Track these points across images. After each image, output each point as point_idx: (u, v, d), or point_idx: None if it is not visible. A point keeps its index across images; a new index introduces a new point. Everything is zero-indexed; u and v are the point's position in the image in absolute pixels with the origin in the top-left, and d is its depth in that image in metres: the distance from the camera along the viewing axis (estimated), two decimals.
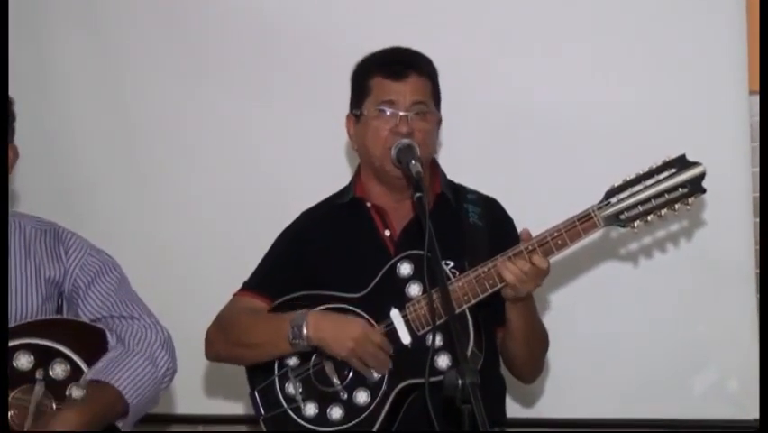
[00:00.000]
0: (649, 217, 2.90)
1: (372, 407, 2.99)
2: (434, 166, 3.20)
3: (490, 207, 3.20)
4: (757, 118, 3.54)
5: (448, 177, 3.24)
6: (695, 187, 2.86)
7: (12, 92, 2.99)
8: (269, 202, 3.87)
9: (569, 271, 3.66)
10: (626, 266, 3.68)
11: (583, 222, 2.90)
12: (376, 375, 2.99)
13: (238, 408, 3.93)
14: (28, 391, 2.81)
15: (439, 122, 3.16)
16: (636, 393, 3.70)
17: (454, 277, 2.96)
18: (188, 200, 4.04)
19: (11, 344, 2.82)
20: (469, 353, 2.90)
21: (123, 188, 4.10)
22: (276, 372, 3.08)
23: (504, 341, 3.10)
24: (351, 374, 3.02)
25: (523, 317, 3.01)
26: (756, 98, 3.53)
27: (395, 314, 3.00)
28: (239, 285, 3.22)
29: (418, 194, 2.79)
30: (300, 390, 3.05)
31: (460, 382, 2.34)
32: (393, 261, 3.04)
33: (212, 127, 4.01)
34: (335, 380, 3.02)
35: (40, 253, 2.96)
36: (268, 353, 3.07)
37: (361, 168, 3.21)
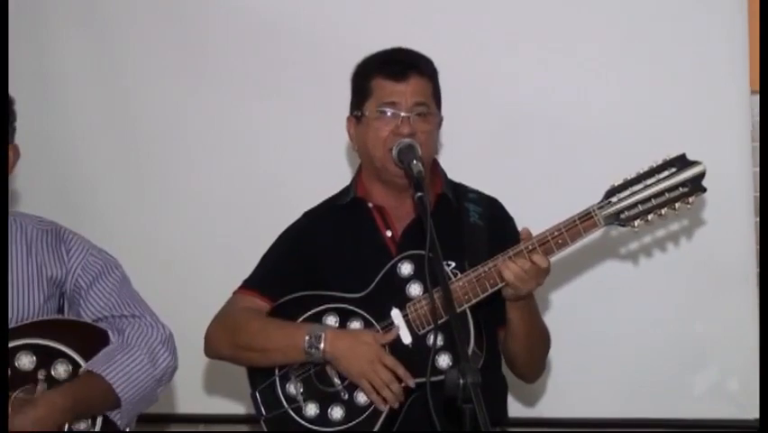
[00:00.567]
0: (649, 217, 2.90)
1: (373, 407, 2.99)
2: (434, 166, 3.20)
3: (491, 207, 3.19)
4: (759, 118, 3.54)
5: (449, 177, 3.23)
6: (695, 186, 2.87)
7: (12, 92, 2.99)
8: (269, 202, 3.87)
9: (569, 271, 3.67)
10: (627, 265, 3.69)
11: (584, 221, 2.90)
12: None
13: (239, 407, 3.93)
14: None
15: (440, 122, 3.16)
16: (637, 393, 3.70)
17: (455, 277, 2.96)
18: (189, 200, 4.04)
19: (13, 344, 2.82)
20: (470, 352, 2.90)
21: (123, 188, 4.10)
22: (277, 372, 3.08)
23: (505, 341, 3.10)
24: None
25: (524, 316, 3.01)
26: (758, 98, 3.53)
27: (396, 314, 3.01)
28: (240, 284, 3.22)
29: (419, 194, 2.78)
30: (301, 390, 3.05)
31: (461, 381, 2.34)
32: (394, 260, 3.04)
33: (212, 127, 4.02)
34: (336, 380, 3.02)
35: (42, 253, 2.96)
36: (277, 359, 3.07)
37: (361, 168, 3.21)
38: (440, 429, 2.62)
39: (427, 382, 2.65)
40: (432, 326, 2.95)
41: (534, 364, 3.19)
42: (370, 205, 3.16)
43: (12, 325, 2.86)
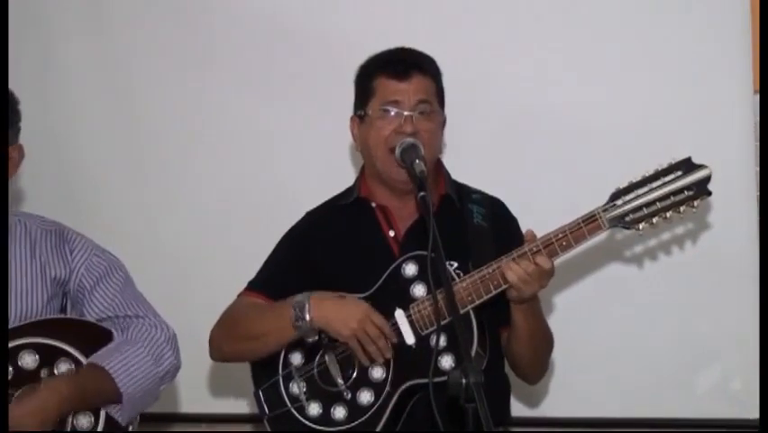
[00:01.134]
0: (654, 220, 2.90)
1: (376, 407, 3.00)
2: (438, 167, 3.20)
3: (495, 208, 3.19)
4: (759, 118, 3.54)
5: (452, 177, 3.23)
6: (701, 189, 2.86)
7: (16, 92, 2.99)
8: (273, 202, 3.87)
9: (574, 273, 3.66)
10: (631, 267, 3.68)
11: (588, 223, 2.90)
12: (374, 368, 2.98)
13: (242, 407, 3.93)
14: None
15: (443, 122, 3.16)
16: (640, 393, 3.70)
17: (459, 278, 2.96)
18: (193, 200, 4.04)
19: (16, 343, 2.84)
20: (473, 353, 2.90)
21: (127, 188, 4.10)
22: (280, 371, 3.08)
23: (509, 342, 3.10)
24: (354, 374, 3.03)
25: (528, 318, 3.01)
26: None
27: (399, 314, 3.01)
28: (243, 284, 3.22)
29: (422, 193, 2.79)
30: (304, 389, 3.05)
31: (464, 381, 2.35)
32: (398, 261, 3.04)
33: (216, 128, 4.01)
34: (339, 380, 3.03)
35: (45, 253, 2.97)
36: (273, 342, 3.07)
37: (365, 168, 3.21)
38: (443, 430, 2.62)
39: (430, 382, 2.66)
40: (435, 326, 2.94)
41: (537, 366, 3.19)
42: (374, 205, 3.16)
43: (15, 324, 2.87)
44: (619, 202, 2.89)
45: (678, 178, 2.86)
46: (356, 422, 3.01)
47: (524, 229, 3.00)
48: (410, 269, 3.02)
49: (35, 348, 2.85)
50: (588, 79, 3.71)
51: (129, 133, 4.09)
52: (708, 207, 3.57)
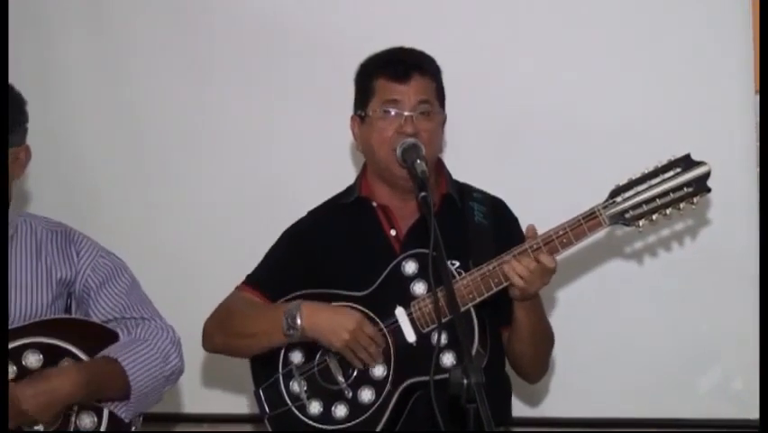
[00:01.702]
0: (654, 216, 2.90)
1: (377, 405, 3.00)
2: (439, 166, 3.20)
3: (496, 207, 3.20)
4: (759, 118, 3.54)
5: (453, 176, 3.23)
6: (700, 186, 2.87)
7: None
8: (274, 202, 3.87)
9: (574, 270, 3.67)
10: (631, 265, 3.68)
11: (588, 220, 2.90)
12: (375, 366, 3.00)
13: (243, 406, 3.92)
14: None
15: (444, 121, 3.16)
16: (641, 392, 3.70)
17: (459, 276, 2.96)
18: (194, 200, 4.04)
19: (20, 342, 2.84)
20: (474, 351, 2.90)
21: (127, 188, 4.10)
22: (280, 370, 3.08)
23: (510, 340, 3.10)
24: (355, 372, 3.03)
25: (529, 315, 3.01)
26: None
27: (400, 312, 3.01)
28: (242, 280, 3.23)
29: (423, 193, 2.79)
30: (305, 388, 3.05)
31: (465, 381, 2.35)
32: (398, 259, 3.04)
33: (217, 128, 4.01)
34: (340, 378, 3.03)
35: (51, 254, 2.98)
36: (263, 343, 3.07)
37: (365, 168, 3.21)
38: (443, 428, 2.62)
39: (431, 380, 2.66)
40: (436, 324, 2.95)
41: (539, 364, 3.19)
42: (374, 204, 3.17)
43: (19, 324, 2.88)
44: (619, 199, 2.90)
45: (677, 174, 2.87)
46: (357, 421, 3.01)
47: (524, 229, 3.00)
48: (410, 267, 3.02)
49: (39, 348, 2.85)
50: (588, 79, 3.71)
51: (129, 133, 4.09)
52: (709, 208, 3.57)
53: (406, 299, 3.01)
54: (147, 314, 3.01)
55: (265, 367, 3.10)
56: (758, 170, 3.56)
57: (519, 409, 3.62)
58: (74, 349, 2.87)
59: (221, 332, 3.15)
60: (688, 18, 3.66)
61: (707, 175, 2.87)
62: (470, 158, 3.62)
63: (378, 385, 3.00)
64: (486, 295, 2.94)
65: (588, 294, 3.71)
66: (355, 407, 3.01)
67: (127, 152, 4.10)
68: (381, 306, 3.02)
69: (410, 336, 2.99)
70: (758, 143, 3.54)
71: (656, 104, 3.68)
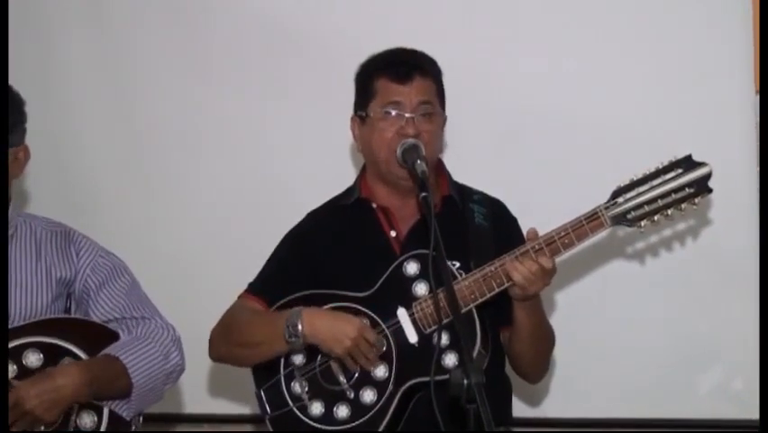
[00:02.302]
0: (656, 217, 2.91)
1: (379, 406, 2.99)
2: (440, 167, 3.20)
3: (496, 208, 3.20)
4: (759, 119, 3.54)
5: (453, 178, 3.24)
6: (701, 187, 2.87)
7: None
8: (274, 203, 3.87)
9: (575, 271, 3.67)
10: (633, 265, 3.68)
11: (590, 221, 2.91)
12: (376, 367, 3.00)
13: (244, 407, 3.93)
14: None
15: (444, 121, 3.16)
16: (642, 393, 3.70)
17: (460, 276, 2.96)
18: (194, 201, 4.04)
19: (20, 342, 2.85)
20: (476, 352, 2.90)
21: (127, 188, 4.10)
22: (282, 370, 3.08)
23: (510, 340, 3.10)
24: (357, 373, 3.03)
25: (530, 315, 3.01)
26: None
27: (402, 313, 3.01)
28: (245, 285, 3.22)
29: (424, 194, 2.79)
30: (306, 388, 3.05)
31: (465, 381, 2.35)
32: (399, 260, 3.04)
33: (218, 128, 4.02)
34: (342, 379, 3.03)
35: (51, 254, 2.99)
36: (266, 352, 3.07)
37: (366, 168, 3.21)
38: (443, 428, 2.62)
39: (431, 381, 2.66)
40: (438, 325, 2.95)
41: (539, 364, 3.19)
42: (375, 205, 3.16)
43: (19, 323, 2.88)
44: (621, 200, 2.90)
45: (679, 175, 2.87)
46: (359, 421, 3.01)
47: (524, 229, 3.00)
48: (411, 267, 3.02)
49: (39, 347, 2.85)
50: (588, 79, 3.71)
51: (129, 133, 4.09)
52: (710, 208, 3.58)
53: (408, 300, 3.01)
54: (147, 313, 3.02)
55: (266, 368, 3.10)
56: (758, 169, 3.56)
57: (520, 409, 3.62)
58: (74, 349, 2.88)
59: (225, 342, 3.15)
60: (688, 18, 3.66)
61: (708, 176, 2.87)
62: (470, 158, 3.62)
63: (379, 386, 3.00)
64: (488, 296, 2.94)
65: (589, 294, 3.72)
66: (357, 407, 3.01)
67: (127, 152, 4.10)
68: (383, 306, 3.02)
69: (412, 337, 2.99)
70: (758, 143, 3.54)
71: (656, 104, 3.68)
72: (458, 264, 3.01)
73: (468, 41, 3.78)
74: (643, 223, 2.91)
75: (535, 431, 3.81)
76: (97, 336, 2.93)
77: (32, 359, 2.84)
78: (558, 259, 2.92)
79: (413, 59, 3.13)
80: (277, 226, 3.26)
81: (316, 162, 3.89)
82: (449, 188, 3.17)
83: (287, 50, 3.94)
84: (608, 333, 3.70)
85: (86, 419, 2.88)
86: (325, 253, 3.15)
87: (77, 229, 3.09)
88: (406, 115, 3.04)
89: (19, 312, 2.90)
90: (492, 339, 3.05)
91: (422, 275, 3.01)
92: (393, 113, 3.05)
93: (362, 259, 3.11)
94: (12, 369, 2.82)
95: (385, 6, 3.88)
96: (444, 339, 2.92)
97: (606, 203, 2.91)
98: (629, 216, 2.90)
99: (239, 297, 3.21)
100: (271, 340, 3.04)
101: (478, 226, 3.12)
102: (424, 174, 2.88)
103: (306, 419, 3.05)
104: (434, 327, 2.97)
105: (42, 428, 2.82)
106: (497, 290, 2.94)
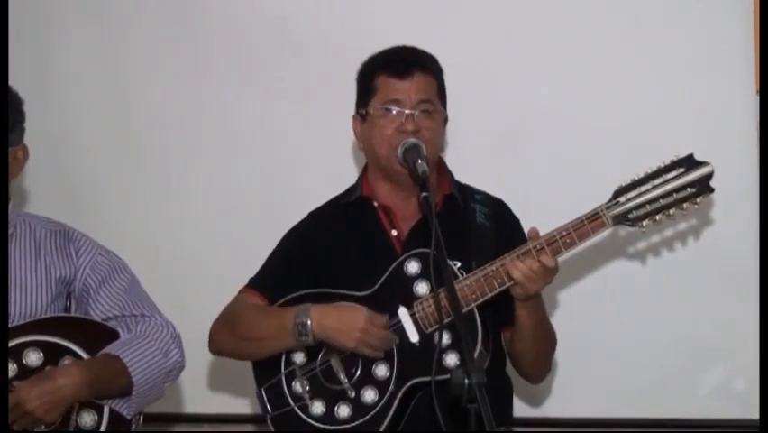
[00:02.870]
0: (657, 217, 2.90)
1: (380, 405, 2.99)
2: (442, 166, 3.20)
3: (497, 208, 3.20)
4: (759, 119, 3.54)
5: (455, 177, 3.24)
6: (703, 186, 2.87)
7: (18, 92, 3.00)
8: (275, 202, 3.87)
9: (577, 270, 3.67)
10: (635, 265, 3.69)
11: (592, 221, 2.90)
12: (378, 366, 2.99)
13: (244, 406, 3.92)
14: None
15: (445, 120, 3.16)
16: (642, 393, 3.70)
17: (462, 276, 2.96)
18: (195, 199, 4.04)
19: (20, 340, 2.85)
20: (477, 351, 2.90)
21: (128, 188, 4.10)
22: (283, 370, 3.08)
23: (512, 340, 3.10)
24: (358, 373, 3.02)
25: (531, 315, 3.01)
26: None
27: (403, 312, 3.01)
28: (245, 284, 3.22)
29: (425, 193, 2.79)
30: (307, 388, 3.05)
31: (466, 381, 2.34)
32: (400, 259, 3.04)
33: (218, 127, 4.02)
34: (343, 378, 3.02)
35: (50, 253, 2.99)
36: (272, 347, 3.07)
37: (367, 167, 3.21)
38: (444, 428, 2.62)
39: (432, 380, 2.65)
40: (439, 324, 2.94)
41: (541, 364, 3.19)
42: (376, 204, 3.16)
43: (19, 322, 2.88)
44: (622, 199, 2.90)
45: (680, 175, 2.87)
46: (360, 421, 3.01)
47: (525, 229, 3.00)
48: (413, 267, 3.02)
49: (40, 346, 2.85)
50: (588, 79, 3.72)
51: (129, 132, 4.09)
52: (711, 208, 3.57)
53: (409, 299, 3.01)
54: (147, 311, 3.02)
55: (267, 367, 3.10)
56: (759, 169, 3.56)
57: (521, 409, 3.62)
58: (74, 347, 2.88)
59: (228, 335, 3.15)
60: (688, 18, 3.66)
61: (710, 175, 2.87)
62: (470, 158, 3.62)
63: (381, 385, 3.00)
64: (489, 295, 2.94)
65: (590, 294, 3.72)
66: (358, 407, 3.01)
67: (127, 152, 4.10)
68: (384, 306, 3.01)
69: (413, 337, 2.99)
70: (759, 143, 3.54)
71: (657, 104, 3.68)
72: (459, 264, 3.00)
73: (468, 41, 3.78)
74: (644, 222, 2.90)
75: (536, 431, 3.81)
76: (97, 335, 2.93)
77: (33, 358, 2.85)
78: (559, 259, 2.92)
79: (413, 55, 3.14)
80: (277, 226, 3.26)
81: (317, 162, 3.89)
82: (450, 187, 3.17)
83: (287, 49, 3.94)
84: (609, 333, 3.70)
85: (87, 418, 2.88)
86: (326, 252, 3.15)
87: (78, 229, 3.09)
88: (406, 111, 3.04)
89: (19, 311, 2.91)
90: (493, 339, 3.05)
91: (423, 274, 3.00)
92: (393, 110, 3.05)
93: (363, 258, 3.11)
94: (12, 368, 2.82)
95: (385, 6, 3.88)
96: (445, 339, 2.92)
97: (607, 202, 2.91)
98: (631, 216, 2.90)
99: (240, 291, 3.20)
100: (278, 336, 3.03)
101: (479, 226, 3.12)
102: (425, 174, 2.87)
103: (308, 419, 3.04)
104: (435, 327, 2.96)
105: (43, 427, 2.83)
106: (498, 290, 2.93)
